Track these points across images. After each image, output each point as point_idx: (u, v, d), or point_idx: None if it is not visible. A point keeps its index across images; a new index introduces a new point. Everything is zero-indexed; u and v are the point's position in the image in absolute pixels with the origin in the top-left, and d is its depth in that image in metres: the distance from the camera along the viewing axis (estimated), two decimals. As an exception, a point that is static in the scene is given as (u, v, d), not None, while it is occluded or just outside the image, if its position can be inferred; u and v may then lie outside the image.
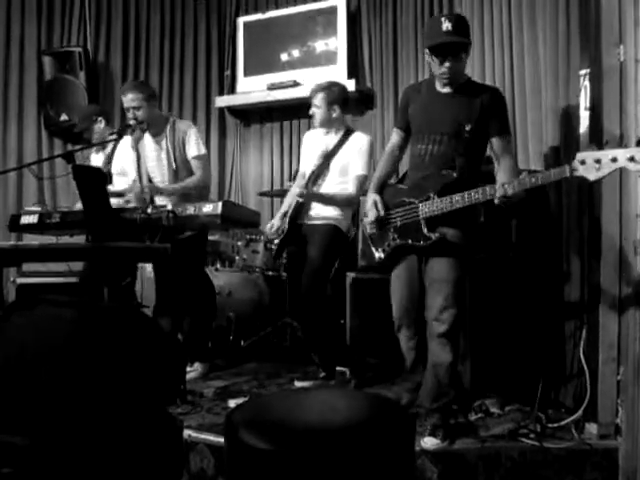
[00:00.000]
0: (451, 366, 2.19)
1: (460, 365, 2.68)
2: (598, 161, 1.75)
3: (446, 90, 2.20)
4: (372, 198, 2.34)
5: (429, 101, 2.23)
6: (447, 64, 2.09)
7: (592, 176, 1.77)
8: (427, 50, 2.14)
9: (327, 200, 2.89)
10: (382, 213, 2.29)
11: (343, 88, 2.98)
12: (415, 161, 2.28)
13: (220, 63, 4.86)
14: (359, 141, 2.90)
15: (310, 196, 2.86)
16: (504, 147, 2.17)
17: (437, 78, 2.20)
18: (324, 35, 4.43)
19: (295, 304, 3.04)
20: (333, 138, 2.95)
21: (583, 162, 1.78)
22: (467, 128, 2.11)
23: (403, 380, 2.48)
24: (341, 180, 2.90)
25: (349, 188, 2.87)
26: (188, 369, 3.10)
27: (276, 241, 3.13)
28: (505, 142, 2.18)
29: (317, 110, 2.90)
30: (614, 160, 1.73)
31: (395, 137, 2.41)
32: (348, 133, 2.94)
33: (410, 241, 2.22)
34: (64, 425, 0.65)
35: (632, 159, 1.71)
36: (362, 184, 2.87)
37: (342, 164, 2.90)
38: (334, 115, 2.90)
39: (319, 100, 2.89)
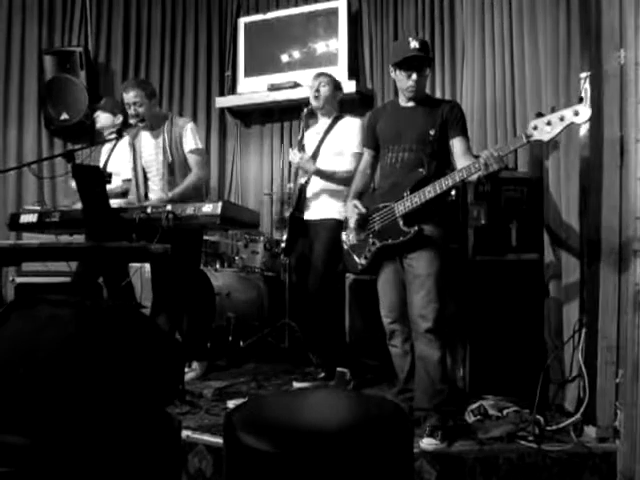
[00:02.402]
0: (440, 362, 2.22)
1: (452, 362, 2.69)
2: (549, 123, 1.90)
3: (410, 104, 2.37)
4: (351, 203, 2.43)
5: (396, 115, 2.39)
6: (414, 77, 2.27)
7: (546, 137, 1.92)
8: (394, 66, 2.31)
9: (328, 176, 2.94)
10: (364, 211, 2.35)
11: None
12: (386, 169, 2.39)
13: (221, 64, 4.86)
14: (351, 124, 3.02)
15: (313, 168, 2.91)
16: (465, 149, 2.29)
17: (402, 93, 2.37)
18: (325, 36, 4.43)
19: (299, 304, 3.06)
20: (325, 123, 3.07)
21: (536, 127, 1.92)
22: (432, 133, 2.27)
23: (398, 393, 2.44)
24: (333, 161, 2.96)
25: (348, 166, 2.92)
26: (187, 369, 3.10)
27: (285, 237, 3.17)
28: (465, 144, 2.30)
29: (323, 88, 3.00)
30: (562, 119, 1.88)
31: (366, 157, 2.56)
32: (338, 118, 3.06)
33: (390, 240, 2.26)
34: (63, 425, 0.65)
35: (576, 113, 1.85)
36: (360, 162, 2.91)
37: (333, 147, 2.99)
38: (337, 99, 3.07)
39: (326, 81, 3.02)
